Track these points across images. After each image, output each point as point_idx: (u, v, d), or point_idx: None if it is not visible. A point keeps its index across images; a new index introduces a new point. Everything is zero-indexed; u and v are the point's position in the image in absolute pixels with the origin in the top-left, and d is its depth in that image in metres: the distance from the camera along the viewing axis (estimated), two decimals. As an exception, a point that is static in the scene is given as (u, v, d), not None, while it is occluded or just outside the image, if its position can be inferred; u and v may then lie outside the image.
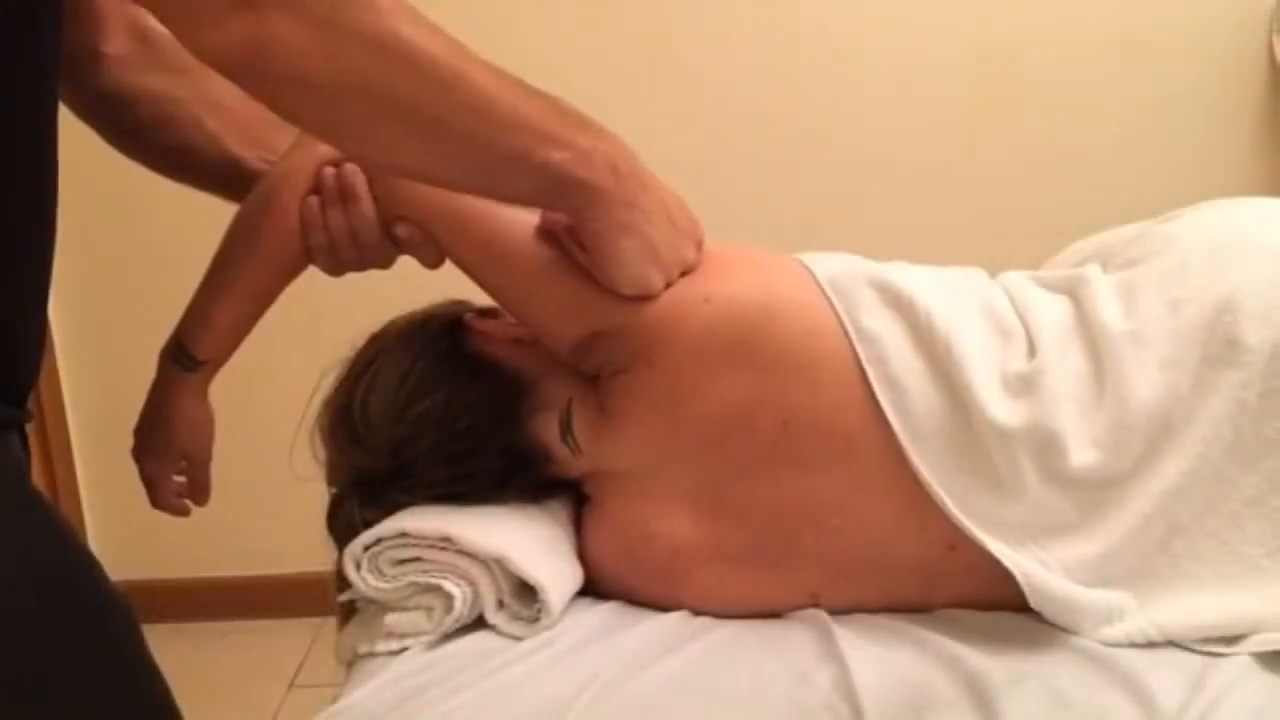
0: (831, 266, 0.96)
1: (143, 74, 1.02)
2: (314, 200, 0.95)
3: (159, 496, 1.07)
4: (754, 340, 0.91)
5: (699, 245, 0.95)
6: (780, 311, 0.92)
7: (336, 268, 0.98)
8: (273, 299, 1.00)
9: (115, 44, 1.00)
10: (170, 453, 1.05)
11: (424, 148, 0.79)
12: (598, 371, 0.95)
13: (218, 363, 1.01)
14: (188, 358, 1.00)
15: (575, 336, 0.94)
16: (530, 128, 0.81)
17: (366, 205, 0.95)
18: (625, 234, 0.88)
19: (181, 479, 1.08)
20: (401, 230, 0.96)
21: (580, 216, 0.88)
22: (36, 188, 0.79)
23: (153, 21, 1.03)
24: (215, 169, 1.05)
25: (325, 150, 0.96)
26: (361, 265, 0.99)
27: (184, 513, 1.10)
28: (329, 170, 0.95)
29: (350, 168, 0.94)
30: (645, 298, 0.92)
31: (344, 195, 0.95)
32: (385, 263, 0.99)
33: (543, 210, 0.93)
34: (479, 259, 0.96)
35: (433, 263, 0.98)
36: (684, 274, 0.94)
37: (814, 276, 0.95)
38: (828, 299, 0.93)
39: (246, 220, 0.98)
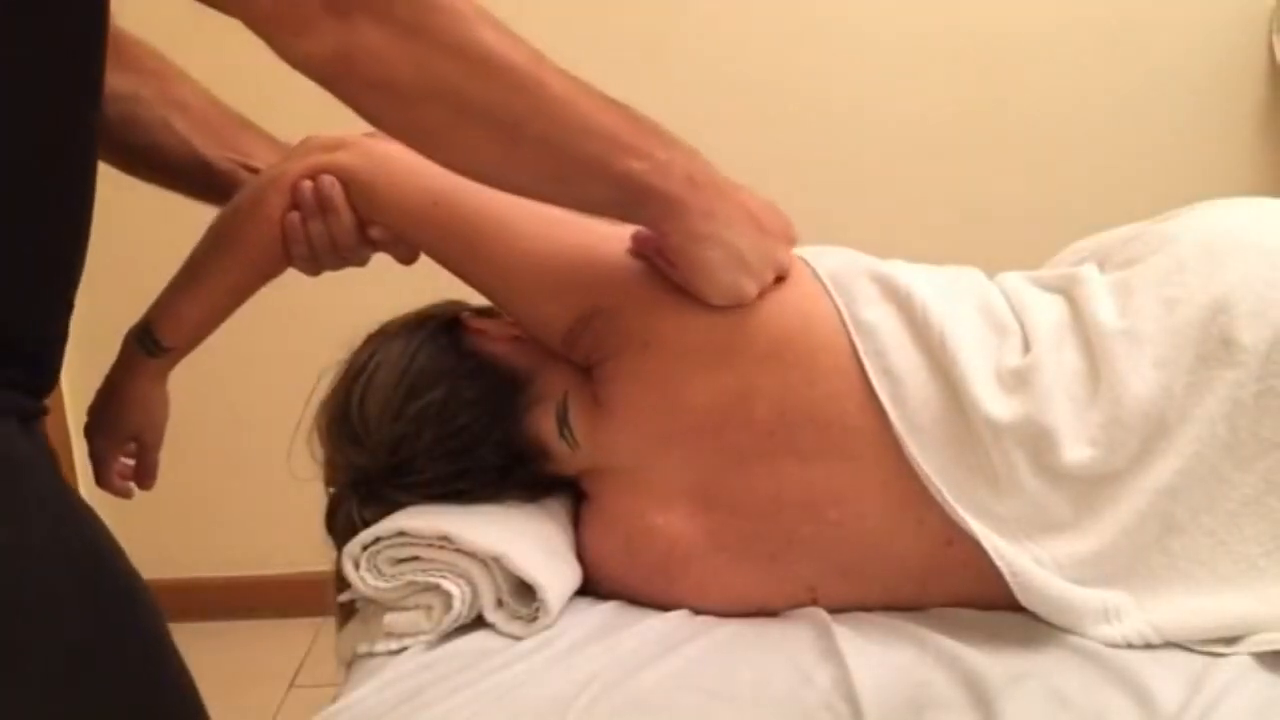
0: (831, 261, 0.97)
1: (110, 75, 1.03)
2: (295, 215, 0.97)
3: (104, 476, 1.08)
4: (752, 330, 0.92)
5: (792, 243, 0.96)
6: (780, 301, 0.93)
7: (316, 270, 1.01)
8: (247, 297, 1.02)
9: None
10: (122, 433, 1.06)
11: (503, 153, 0.81)
12: (588, 361, 0.96)
13: (182, 352, 1.03)
14: (153, 343, 1.01)
15: (565, 322, 0.95)
16: (609, 136, 0.82)
17: (345, 215, 0.97)
18: (708, 244, 0.88)
19: (130, 461, 1.09)
20: (376, 232, 0.99)
21: (660, 229, 0.89)
22: (79, 183, 0.80)
23: (119, 23, 1.04)
24: (184, 170, 1.06)
25: (312, 160, 0.98)
26: (338, 265, 1.01)
27: (127, 495, 1.10)
28: (306, 184, 0.97)
29: (328, 180, 0.96)
30: (642, 285, 0.93)
31: (323, 208, 0.97)
32: (362, 261, 1.02)
33: (634, 234, 0.94)
34: (465, 260, 0.98)
35: (407, 259, 1.01)
36: (780, 279, 0.94)
37: (814, 270, 0.95)
38: (828, 292, 0.93)
39: (230, 222, 1.00)
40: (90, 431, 1.07)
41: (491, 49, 0.77)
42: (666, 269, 0.93)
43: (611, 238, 0.96)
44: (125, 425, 1.05)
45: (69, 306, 0.83)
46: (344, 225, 0.97)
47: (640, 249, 0.95)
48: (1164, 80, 2.07)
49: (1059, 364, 0.87)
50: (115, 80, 1.02)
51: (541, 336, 0.98)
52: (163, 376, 1.05)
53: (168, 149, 1.05)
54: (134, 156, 1.07)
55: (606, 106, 0.83)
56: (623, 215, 0.90)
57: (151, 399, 1.05)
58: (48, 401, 0.84)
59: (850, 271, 0.95)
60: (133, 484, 1.10)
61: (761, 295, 0.93)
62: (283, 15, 0.73)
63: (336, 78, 0.74)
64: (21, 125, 0.73)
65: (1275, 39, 2.03)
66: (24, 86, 0.72)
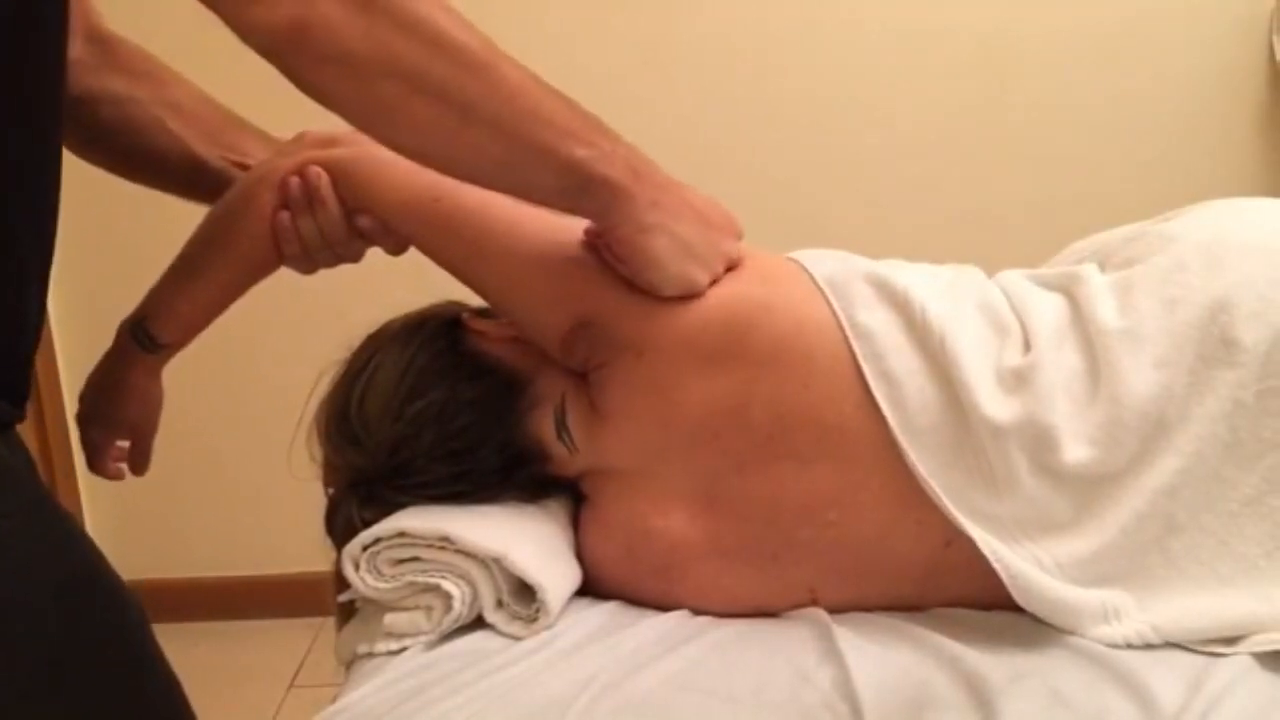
0: (827, 264, 0.96)
1: (102, 77, 1.03)
2: (285, 215, 0.97)
3: (99, 464, 1.08)
4: (747, 334, 0.91)
5: (739, 237, 0.96)
6: (774, 306, 0.93)
7: (310, 269, 1.01)
8: (240, 294, 1.02)
9: (73, 48, 0.99)
10: (118, 425, 1.07)
11: (453, 134, 0.80)
12: (585, 367, 0.96)
13: (177, 347, 1.03)
14: (149, 339, 1.01)
15: (562, 328, 0.95)
16: (556, 123, 0.82)
17: (332, 206, 0.97)
18: (655, 234, 0.88)
19: (124, 444, 1.09)
20: (364, 222, 0.98)
21: (606, 221, 0.89)
22: (40, 183, 0.80)
23: (110, 25, 1.04)
24: (179, 171, 1.06)
25: (304, 156, 0.98)
26: (332, 262, 1.01)
27: (119, 477, 1.11)
28: (294, 180, 0.97)
29: (314, 171, 0.96)
30: (635, 293, 0.92)
31: (310, 201, 0.97)
32: (355, 257, 1.02)
33: (587, 227, 0.93)
34: (465, 259, 0.97)
35: (396, 250, 1.01)
36: (730, 269, 0.95)
37: (810, 274, 0.95)
38: (824, 296, 0.93)
39: (223, 218, 1.00)
40: (85, 420, 1.08)
41: (448, 29, 0.77)
42: (615, 261, 0.92)
43: None
44: (122, 417, 1.06)
45: (43, 297, 0.83)
46: (331, 217, 0.97)
47: (590, 240, 0.94)
48: (1164, 80, 2.07)
49: (1059, 363, 0.87)
50: (109, 83, 1.02)
51: (538, 342, 0.98)
52: (159, 369, 1.05)
53: (163, 150, 1.05)
54: (130, 159, 1.07)
55: (555, 96, 0.82)
56: (568, 204, 0.89)
57: (149, 392, 1.06)
58: (25, 407, 0.83)
59: (846, 275, 0.94)
60: (125, 468, 1.11)
61: (758, 301, 0.92)
62: None
63: (289, 50, 0.74)
64: None
65: (1275, 39, 2.03)
66: None
